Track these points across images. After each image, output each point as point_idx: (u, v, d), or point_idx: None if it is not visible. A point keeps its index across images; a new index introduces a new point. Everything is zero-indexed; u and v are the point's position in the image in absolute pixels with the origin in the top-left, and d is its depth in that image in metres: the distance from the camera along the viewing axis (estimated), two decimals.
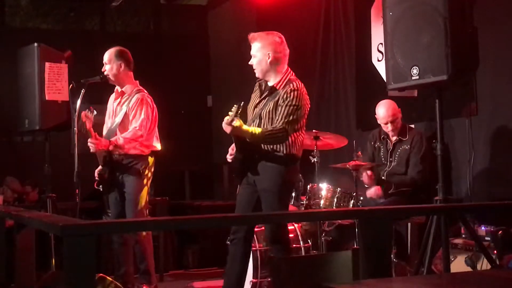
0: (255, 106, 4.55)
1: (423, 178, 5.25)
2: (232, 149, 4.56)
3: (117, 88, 5.28)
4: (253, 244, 5.27)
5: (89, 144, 4.96)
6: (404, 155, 5.39)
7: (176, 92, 8.13)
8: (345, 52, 6.84)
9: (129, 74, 5.23)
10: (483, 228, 4.76)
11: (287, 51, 4.59)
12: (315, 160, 5.36)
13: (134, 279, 5.27)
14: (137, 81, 5.28)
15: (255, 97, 4.62)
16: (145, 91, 5.24)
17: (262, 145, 4.45)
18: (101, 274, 4.22)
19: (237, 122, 4.20)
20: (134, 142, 5.06)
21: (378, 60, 6.26)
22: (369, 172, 5.39)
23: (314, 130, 5.43)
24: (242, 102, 4.35)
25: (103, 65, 5.21)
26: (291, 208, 5.33)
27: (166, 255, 6.80)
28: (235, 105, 4.25)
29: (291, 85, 4.45)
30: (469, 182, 5.21)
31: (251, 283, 5.20)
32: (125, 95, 5.22)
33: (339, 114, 6.91)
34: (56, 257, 5.14)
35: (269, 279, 5.21)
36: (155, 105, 5.22)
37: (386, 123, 5.41)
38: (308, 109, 4.55)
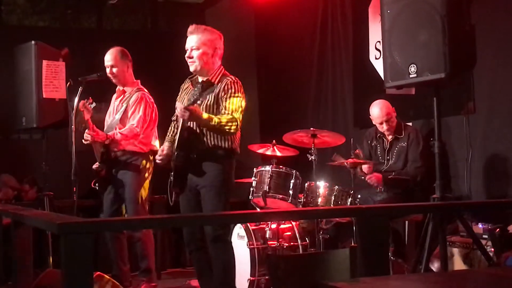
0: (192, 103, 4.36)
1: (422, 173, 5.25)
2: (162, 150, 4.48)
3: (119, 87, 5.28)
4: (250, 242, 5.28)
5: (86, 135, 4.93)
6: (402, 153, 5.40)
7: (174, 90, 8.12)
8: (342, 50, 6.84)
9: (131, 73, 5.26)
10: (480, 226, 4.76)
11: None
12: (313, 158, 5.36)
13: (131, 277, 5.27)
14: (138, 80, 5.29)
15: (188, 94, 4.51)
16: (146, 90, 5.25)
17: (204, 141, 4.33)
18: (98, 272, 4.21)
19: (195, 106, 4.15)
20: (130, 139, 5.07)
21: (376, 58, 6.26)
22: (368, 165, 5.39)
23: (311, 128, 5.43)
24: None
25: (100, 62, 5.20)
26: (288, 205, 5.33)
27: (164, 253, 6.80)
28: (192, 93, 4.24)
29: (230, 78, 4.40)
30: (467, 180, 5.22)
31: (248, 281, 5.21)
32: (127, 93, 5.24)
33: (337, 112, 6.91)
34: (54, 255, 5.13)
35: (266, 277, 5.22)
36: (155, 105, 5.22)
37: (381, 123, 5.42)
38: (245, 106, 4.43)
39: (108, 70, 5.17)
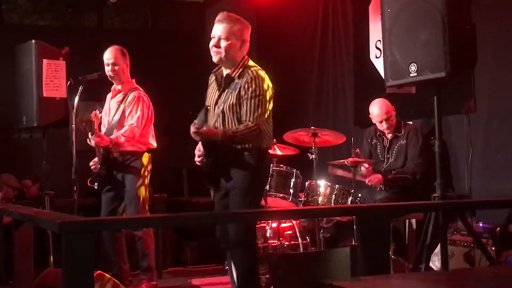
0: (216, 102, 4.24)
1: (422, 170, 5.26)
2: (198, 150, 4.28)
3: (115, 86, 5.29)
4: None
5: (91, 140, 4.96)
6: (402, 151, 5.40)
7: (174, 89, 8.12)
8: (343, 49, 6.84)
9: (128, 72, 5.27)
10: (481, 224, 4.76)
11: None
12: (313, 157, 5.36)
13: (131, 276, 5.27)
14: (133, 80, 5.30)
15: (213, 93, 4.33)
16: (141, 90, 5.26)
17: (231, 145, 4.12)
18: (99, 271, 4.21)
19: (205, 128, 3.96)
20: (132, 139, 5.09)
21: (376, 57, 6.26)
22: (367, 165, 5.40)
23: (312, 127, 5.43)
24: (208, 106, 4.17)
25: (101, 61, 5.20)
26: (289, 204, 5.34)
27: (165, 252, 6.80)
28: (202, 110, 4.04)
29: (250, 72, 4.14)
30: (467, 179, 5.22)
31: None
32: (121, 93, 5.25)
33: (337, 111, 6.91)
34: (54, 254, 5.14)
35: (267, 276, 5.22)
36: (151, 104, 5.24)
37: (381, 122, 5.42)
38: (272, 93, 4.24)
39: (109, 67, 5.17)
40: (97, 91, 5.73)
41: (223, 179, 4.21)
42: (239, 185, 4.11)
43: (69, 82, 5.19)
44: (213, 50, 4.19)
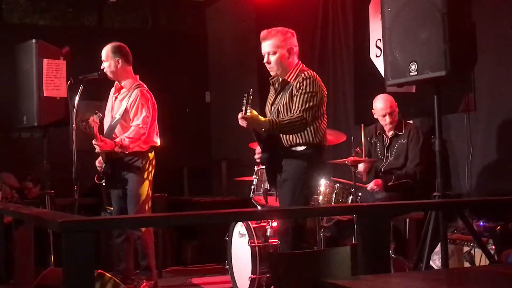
0: (272, 104, 4.53)
1: (422, 171, 5.25)
2: (259, 148, 4.52)
3: (116, 83, 5.28)
4: (251, 240, 5.28)
5: (94, 145, 4.97)
6: (402, 150, 5.39)
7: (174, 88, 8.12)
8: (343, 48, 6.84)
9: (128, 69, 5.23)
10: (481, 223, 4.76)
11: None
12: None
13: (133, 275, 5.28)
14: (137, 76, 5.28)
15: (270, 97, 4.61)
16: (144, 86, 5.24)
17: (284, 141, 4.41)
18: (100, 271, 4.21)
19: (249, 113, 4.15)
20: (138, 140, 5.08)
21: (377, 56, 6.26)
22: (363, 166, 5.39)
23: None
24: (251, 90, 4.28)
25: (101, 61, 5.20)
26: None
27: (165, 251, 6.80)
28: (244, 95, 4.19)
29: (303, 74, 4.43)
30: (468, 177, 5.22)
31: (249, 279, 5.21)
32: (124, 90, 5.23)
33: (338, 110, 6.91)
34: (55, 253, 5.14)
35: (268, 275, 5.22)
36: (154, 99, 5.22)
37: (384, 115, 5.41)
38: (326, 96, 4.52)
39: (102, 66, 5.19)
40: (97, 90, 5.74)
41: (278, 172, 4.44)
42: (291, 176, 4.35)
43: (69, 81, 5.19)
44: (268, 67, 4.51)
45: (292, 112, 4.34)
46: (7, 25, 8.20)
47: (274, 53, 4.44)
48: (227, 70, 8.44)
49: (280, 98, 4.46)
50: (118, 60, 5.14)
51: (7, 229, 3.91)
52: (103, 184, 5.16)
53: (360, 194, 5.28)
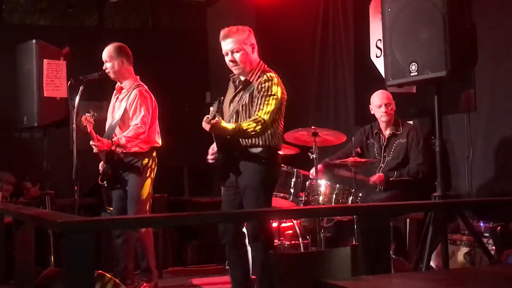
0: (231, 102, 4.46)
1: (423, 171, 5.24)
2: (212, 149, 4.48)
3: (118, 84, 5.28)
4: None
5: (91, 145, 4.97)
6: (401, 150, 5.38)
7: (175, 89, 8.13)
8: (343, 48, 6.84)
9: (130, 69, 5.24)
10: (482, 224, 4.76)
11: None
12: (314, 156, 5.36)
13: (133, 275, 5.27)
14: (138, 76, 5.27)
15: (229, 94, 4.54)
16: (144, 86, 5.24)
17: (241, 141, 4.36)
18: (100, 271, 4.21)
19: (216, 119, 4.10)
20: (136, 140, 5.06)
21: (377, 56, 6.26)
22: (346, 173, 5.38)
23: (312, 127, 5.42)
24: (222, 97, 4.29)
25: (101, 61, 5.20)
26: (290, 204, 5.34)
27: (165, 252, 6.80)
28: (214, 102, 4.16)
29: (265, 76, 4.36)
30: (468, 178, 5.22)
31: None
32: (124, 90, 5.23)
33: (338, 110, 6.91)
34: (55, 253, 5.13)
35: None
36: (154, 99, 5.22)
37: (380, 106, 5.41)
38: (286, 99, 4.45)
39: (104, 66, 5.19)
40: (97, 90, 5.74)
41: (233, 176, 4.38)
42: (251, 183, 4.31)
43: (69, 82, 5.19)
44: (231, 66, 4.42)
45: (254, 114, 4.28)
46: (8, 25, 8.21)
47: (239, 50, 4.36)
48: (227, 70, 8.43)
49: (240, 97, 4.39)
50: (122, 60, 5.15)
51: (7, 229, 3.91)
52: (105, 185, 5.16)
53: (360, 194, 5.28)
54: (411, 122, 5.67)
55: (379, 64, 6.07)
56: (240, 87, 4.42)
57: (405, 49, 4.05)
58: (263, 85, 4.31)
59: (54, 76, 5.38)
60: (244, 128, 4.20)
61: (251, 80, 4.39)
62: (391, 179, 5.27)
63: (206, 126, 4.14)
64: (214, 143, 4.44)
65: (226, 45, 4.40)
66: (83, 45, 7.07)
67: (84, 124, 4.86)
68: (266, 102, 4.28)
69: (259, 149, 4.35)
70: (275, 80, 4.36)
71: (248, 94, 4.35)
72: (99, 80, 5.20)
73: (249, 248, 4.62)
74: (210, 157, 4.48)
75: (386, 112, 5.39)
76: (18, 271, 3.71)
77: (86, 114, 4.89)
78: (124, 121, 5.14)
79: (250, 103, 4.33)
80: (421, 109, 5.70)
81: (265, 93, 4.29)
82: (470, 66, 4.17)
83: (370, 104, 5.53)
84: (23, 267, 3.66)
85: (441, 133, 4.06)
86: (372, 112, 5.52)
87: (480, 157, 5.22)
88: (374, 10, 6.27)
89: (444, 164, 4.10)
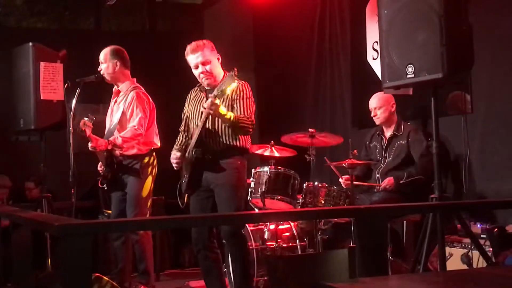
0: (197, 110, 4.62)
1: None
2: (175, 154, 4.66)
3: (115, 87, 5.28)
4: (249, 243, 5.27)
5: (90, 149, 4.97)
6: (401, 151, 5.38)
7: (172, 91, 8.12)
8: (340, 50, 6.85)
9: (126, 72, 5.23)
10: (478, 225, 4.77)
11: None
12: (311, 158, 5.36)
13: (131, 278, 5.26)
14: (134, 79, 5.27)
15: (198, 101, 4.68)
16: (141, 88, 5.24)
17: (219, 141, 4.52)
18: (97, 274, 4.21)
19: (218, 101, 4.29)
20: (133, 141, 5.05)
21: (373, 58, 6.26)
22: (345, 177, 5.38)
23: (309, 129, 5.43)
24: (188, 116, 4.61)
25: (98, 64, 5.20)
26: (287, 206, 5.34)
27: (162, 254, 6.80)
28: (217, 89, 4.35)
29: (239, 82, 4.53)
30: (465, 180, 5.21)
31: None
32: (121, 93, 5.23)
33: (335, 113, 6.92)
34: (52, 256, 5.13)
35: (265, 278, 5.22)
36: (151, 101, 5.22)
37: (376, 108, 5.42)
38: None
39: (99, 68, 5.19)
40: (94, 93, 5.74)
41: (208, 174, 4.51)
42: (228, 181, 4.48)
43: (66, 84, 5.18)
44: (202, 77, 4.62)
45: (242, 114, 4.46)
46: (4, 28, 8.20)
47: (208, 62, 4.57)
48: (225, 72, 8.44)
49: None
50: (116, 62, 5.14)
51: (4, 232, 3.90)
52: (105, 188, 5.15)
53: (357, 196, 5.28)
54: (409, 123, 5.68)
55: (376, 66, 6.08)
56: (210, 93, 4.47)
57: (402, 51, 4.06)
58: (241, 89, 4.53)
59: (51, 79, 5.37)
60: (240, 121, 4.41)
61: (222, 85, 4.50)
62: (401, 181, 5.24)
63: (212, 105, 4.27)
64: (174, 153, 4.67)
65: (195, 58, 4.63)
66: (79, 48, 7.07)
67: (83, 129, 4.85)
68: (248, 104, 4.52)
69: (235, 150, 4.54)
70: (249, 85, 4.61)
71: (225, 98, 4.49)
72: (96, 83, 5.19)
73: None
74: (174, 164, 4.67)
75: (375, 115, 5.44)
76: (15, 274, 3.71)
77: (85, 118, 4.88)
78: (122, 124, 5.14)
79: (229, 106, 4.49)
80: (418, 111, 5.71)
81: (246, 96, 4.53)
82: (467, 68, 4.17)
83: (369, 107, 5.55)
84: (20, 270, 3.65)
85: (438, 135, 4.06)
86: (371, 114, 5.54)
87: (477, 159, 5.23)
88: (370, 12, 6.28)
89: (441, 166, 4.10)
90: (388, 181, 5.29)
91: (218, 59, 4.63)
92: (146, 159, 5.14)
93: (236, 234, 4.55)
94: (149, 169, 5.16)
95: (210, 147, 4.52)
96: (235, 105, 4.50)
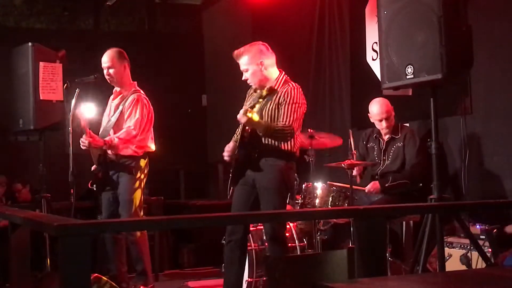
0: (252, 108, 4.57)
1: (419, 172, 5.23)
2: (228, 146, 4.64)
3: (116, 88, 5.28)
4: (248, 243, 5.27)
5: (82, 141, 4.93)
6: (399, 153, 5.38)
7: (171, 92, 8.13)
8: (339, 51, 6.84)
9: (128, 74, 5.25)
10: (477, 226, 4.77)
11: (274, 55, 4.74)
12: (310, 159, 5.36)
13: (128, 278, 5.26)
14: (135, 82, 5.28)
15: (252, 99, 4.66)
16: (142, 92, 5.24)
17: (264, 142, 4.51)
18: (96, 274, 4.21)
19: (251, 114, 4.31)
20: (128, 142, 5.05)
21: (373, 59, 6.27)
22: (355, 172, 5.38)
23: (309, 130, 5.43)
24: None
25: (98, 64, 5.20)
26: (287, 207, 5.33)
27: (161, 255, 6.80)
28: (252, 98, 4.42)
29: (290, 84, 4.58)
30: (464, 180, 5.22)
31: (246, 282, 5.20)
32: (122, 95, 5.23)
33: (334, 113, 6.92)
34: (51, 257, 5.12)
35: (264, 278, 5.22)
36: (151, 106, 5.22)
37: (381, 120, 5.41)
38: (305, 110, 4.64)
39: (105, 71, 5.16)
40: (93, 94, 5.73)
41: (252, 171, 4.53)
42: (271, 183, 4.49)
43: (65, 84, 5.18)
44: (248, 82, 4.70)
45: (281, 120, 4.47)
46: (3, 29, 8.20)
47: (247, 70, 4.62)
48: (224, 73, 8.44)
49: (265, 103, 4.53)
50: (124, 65, 5.17)
51: (3, 233, 3.90)
52: (94, 189, 5.13)
53: (356, 197, 5.28)
54: (407, 125, 5.68)
55: (375, 67, 6.08)
56: (264, 94, 4.54)
57: (401, 52, 4.06)
58: (289, 93, 4.53)
59: (50, 79, 5.37)
60: (276, 129, 4.42)
61: (276, 87, 4.57)
62: (386, 185, 5.26)
63: (242, 117, 4.32)
64: (230, 143, 4.64)
65: (240, 64, 4.66)
66: (79, 48, 7.08)
67: (79, 118, 4.85)
68: (293, 110, 4.50)
69: (281, 152, 4.52)
70: (300, 90, 4.61)
71: (272, 100, 4.52)
72: (95, 83, 5.19)
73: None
74: (226, 154, 4.65)
75: (387, 125, 5.42)
76: (13, 275, 3.70)
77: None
78: (118, 124, 5.14)
79: (276, 109, 4.51)
80: (417, 112, 5.71)
81: (292, 101, 4.51)
82: (466, 69, 4.17)
83: (368, 112, 5.52)
84: (19, 271, 3.65)
85: (437, 136, 4.06)
86: (371, 120, 5.51)
87: (476, 160, 5.23)
88: (370, 13, 6.28)
89: (441, 166, 4.10)
90: (372, 185, 5.31)
91: (262, 64, 4.59)
92: (141, 161, 5.14)
93: (277, 238, 4.55)
94: (143, 171, 5.16)
95: (255, 145, 4.53)
96: (280, 109, 4.50)
